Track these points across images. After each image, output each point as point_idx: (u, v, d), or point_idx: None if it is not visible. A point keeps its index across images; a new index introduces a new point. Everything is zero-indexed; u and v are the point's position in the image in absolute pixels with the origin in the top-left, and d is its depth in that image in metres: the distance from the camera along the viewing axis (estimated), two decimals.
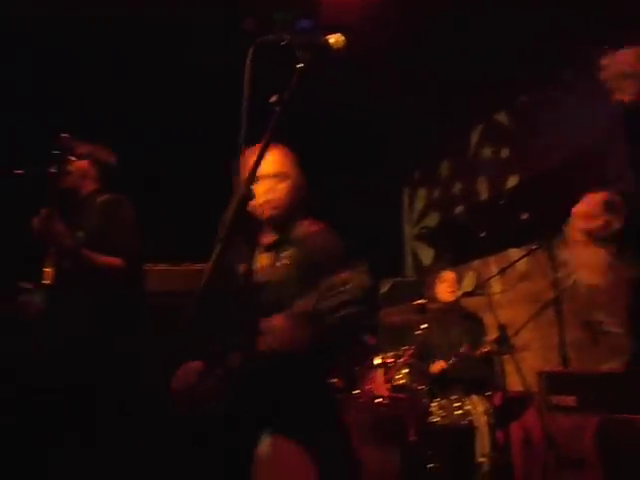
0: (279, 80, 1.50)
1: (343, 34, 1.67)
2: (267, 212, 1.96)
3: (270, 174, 1.95)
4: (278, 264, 1.94)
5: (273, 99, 1.44)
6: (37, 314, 2.48)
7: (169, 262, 3.23)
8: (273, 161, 1.97)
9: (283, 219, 1.99)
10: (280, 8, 3.38)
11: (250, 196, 1.30)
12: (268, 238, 2.00)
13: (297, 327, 1.70)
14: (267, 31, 1.56)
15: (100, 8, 3.38)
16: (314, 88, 1.93)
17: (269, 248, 1.99)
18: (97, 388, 2.41)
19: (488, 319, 3.58)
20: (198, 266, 3.14)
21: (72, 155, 2.51)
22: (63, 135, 2.45)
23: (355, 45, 1.71)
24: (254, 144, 1.38)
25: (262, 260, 1.98)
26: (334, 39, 1.66)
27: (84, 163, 2.63)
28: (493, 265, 4.49)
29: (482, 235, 4.11)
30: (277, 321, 1.72)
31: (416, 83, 3.98)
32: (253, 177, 1.31)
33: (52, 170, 2.44)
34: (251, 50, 1.48)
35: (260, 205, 1.94)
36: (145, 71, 3.61)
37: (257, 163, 1.33)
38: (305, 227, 2.01)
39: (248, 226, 1.33)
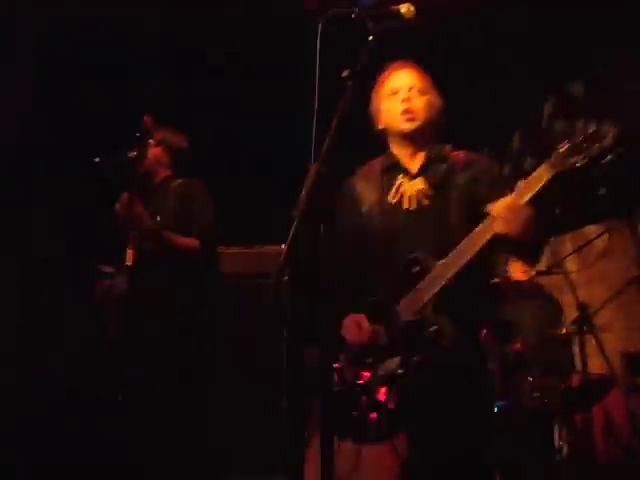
0: (348, 55, 1.47)
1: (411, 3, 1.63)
2: (404, 125, 1.86)
3: (408, 86, 1.88)
4: (438, 187, 1.84)
5: (345, 74, 1.41)
6: (119, 296, 2.56)
7: (242, 244, 3.27)
8: (409, 74, 1.92)
9: (422, 135, 1.87)
10: None
11: (324, 173, 1.27)
12: (412, 161, 1.90)
13: (536, 212, 1.66)
14: (330, 7, 1.53)
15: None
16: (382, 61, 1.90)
17: (420, 171, 1.88)
18: (180, 368, 2.49)
19: (565, 299, 3.45)
20: (271, 248, 3.18)
21: (151, 138, 2.57)
22: (146, 116, 2.51)
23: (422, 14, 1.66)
24: (327, 121, 1.35)
25: (411, 186, 1.87)
26: (405, 9, 1.61)
27: (158, 150, 2.69)
28: (569, 243, 4.31)
29: (556, 212, 3.96)
30: (510, 203, 1.65)
31: (486, 53, 3.83)
32: (328, 155, 1.28)
33: (133, 154, 2.53)
34: (320, 25, 1.45)
35: (395, 118, 1.86)
36: (215, 55, 3.64)
37: (331, 140, 1.31)
38: (455, 152, 1.90)
39: (323, 204, 1.31)
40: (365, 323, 1.82)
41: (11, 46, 3.30)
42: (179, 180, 2.71)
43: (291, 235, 1.25)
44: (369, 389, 1.79)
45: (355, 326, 1.82)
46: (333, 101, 1.39)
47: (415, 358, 1.72)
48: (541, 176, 1.66)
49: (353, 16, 1.47)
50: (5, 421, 3.02)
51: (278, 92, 3.51)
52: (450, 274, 1.72)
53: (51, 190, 3.45)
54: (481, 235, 1.70)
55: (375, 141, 2.00)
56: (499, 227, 1.67)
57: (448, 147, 1.93)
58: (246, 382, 2.99)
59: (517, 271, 3.62)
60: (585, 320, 2.93)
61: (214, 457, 2.74)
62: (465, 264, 1.71)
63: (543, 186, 1.65)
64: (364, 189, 1.93)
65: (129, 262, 2.56)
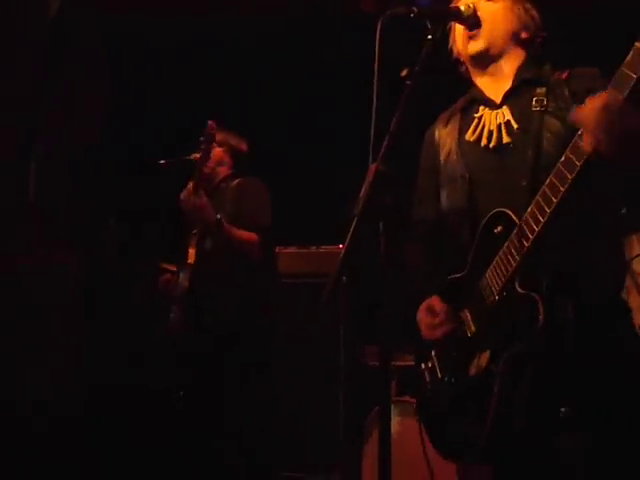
0: (406, 54, 1.46)
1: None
2: (468, 46, 1.55)
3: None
4: (529, 116, 1.44)
5: (404, 73, 1.41)
6: (182, 293, 2.65)
7: (300, 244, 3.31)
8: None
9: (498, 56, 1.53)
10: None
11: (383, 172, 1.27)
12: (497, 89, 1.54)
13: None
14: (386, 9, 1.53)
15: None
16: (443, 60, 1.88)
17: (505, 99, 1.52)
18: (240, 366, 2.54)
19: (632, 301, 3.31)
20: (329, 248, 3.20)
21: (214, 142, 2.65)
22: (210, 122, 2.59)
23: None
24: (387, 120, 1.36)
25: (493, 118, 1.52)
26: (464, 7, 1.59)
27: (219, 151, 2.77)
28: (636, 243, 4.14)
29: (622, 211, 3.81)
30: (604, 103, 1.15)
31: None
32: (387, 154, 1.29)
33: (196, 156, 2.62)
34: (380, 24, 1.45)
35: (462, 40, 1.56)
36: (273, 60, 3.70)
37: (390, 139, 1.31)
38: (558, 72, 1.50)
39: (382, 203, 1.29)
40: (441, 311, 1.50)
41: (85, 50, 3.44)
42: (238, 179, 2.78)
43: (350, 235, 1.25)
44: (457, 396, 1.46)
45: (429, 317, 1.52)
46: (392, 100, 1.39)
47: (506, 354, 1.32)
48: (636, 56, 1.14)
49: (412, 15, 1.46)
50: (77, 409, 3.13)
51: (337, 91, 3.53)
52: (536, 230, 1.29)
53: (118, 190, 3.58)
54: (569, 164, 1.22)
55: None
56: (592, 143, 1.18)
57: (546, 66, 1.56)
58: (304, 381, 3.02)
59: None
60: None
61: (274, 454, 2.77)
62: (552, 213, 1.26)
63: None
64: (443, 133, 1.63)
65: (191, 260, 2.64)
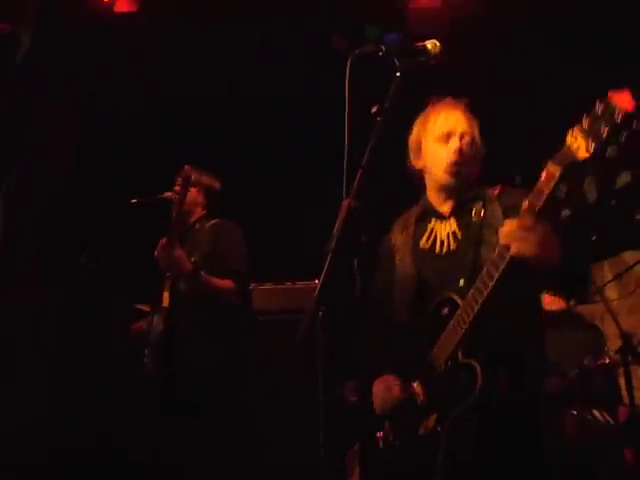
0: (375, 91, 1.49)
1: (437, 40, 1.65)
2: (449, 178, 1.74)
3: (460, 132, 1.74)
4: (471, 227, 1.72)
5: (374, 109, 1.44)
6: (156, 337, 2.61)
7: (274, 281, 3.30)
8: (463, 119, 1.77)
9: (462, 186, 1.76)
10: (368, 23, 3.40)
11: (356, 208, 1.28)
12: (446, 204, 1.80)
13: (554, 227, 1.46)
14: (356, 47, 1.56)
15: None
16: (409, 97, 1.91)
17: (452, 213, 1.78)
18: (216, 405, 2.49)
19: (607, 328, 3.35)
20: (304, 284, 3.19)
21: (191, 186, 2.65)
22: (186, 167, 2.60)
23: (447, 51, 1.68)
24: (358, 156, 1.37)
25: (443, 229, 1.78)
26: (431, 45, 1.64)
27: (193, 191, 2.76)
28: (607, 270, 4.21)
29: (593, 239, 3.88)
30: (521, 220, 1.44)
31: (508, 85, 3.84)
32: (360, 190, 1.30)
33: (167, 194, 2.62)
34: (349, 63, 1.48)
35: (440, 166, 1.74)
36: (245, 96, 3.73)
37: (362, 176, 1.32)
38: (491, 188, 1.77)
39: (355, 238, 1.31)
40: (394, 385, 1.70)
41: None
42: (212, 221, 2.77)
43: (325, 270, 1.25)
44: (414, 454, 1.67)
45: (385, 392, 1.71)
46: (363, 137, 1.41)
47: (453, 413, 1.57)
48: (549, 177, 1.45)
49: (380, 54, 1.49)
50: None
51: (308, 130, 3.57)
52: (475, 309, 1.57)
53: (93, 230, 3.55)
54: (495, 264, 1.53)
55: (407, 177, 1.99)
56: (513, 249, 1.47)
57: (484, 186, 1.83)
58: (283, 418, 2.97)
59: (552, 300, 3.53)
60: (630, 349, 2.83)
61: None
62: (485, 301, 1.55)
63: (553, 190, 1.44)
64: (399, 240, 1.86)
65: (165, 303, 2.60)
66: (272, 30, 3.61)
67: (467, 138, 1.76)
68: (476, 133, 1.80)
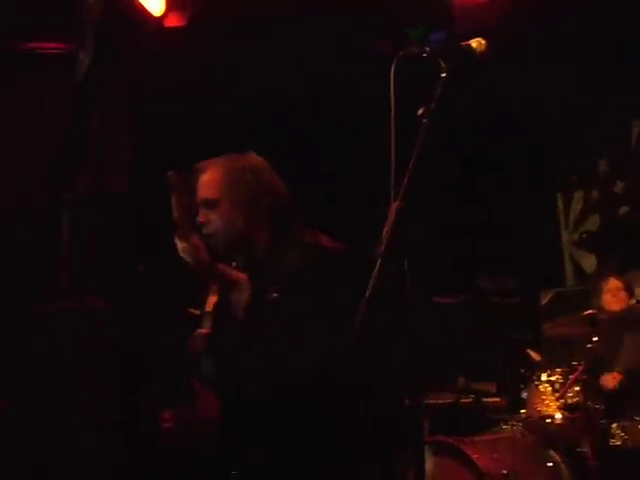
0: (421, 93, 1.49)
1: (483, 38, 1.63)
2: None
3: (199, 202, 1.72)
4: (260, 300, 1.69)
5: (420, 112, 1.43)
6: (203, 342, 2.65)
7: None
8: (201, 184, 1.74)
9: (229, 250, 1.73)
10: (412, 24, 3.39)
11: (406, 210, 1.29)
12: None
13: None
14: (402, 49, 1.56)
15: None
16: (459, 96, 1.90)
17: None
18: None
19: None
20: None
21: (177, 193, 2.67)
22: (169, 173, 2.62)
23: (495, 48, 1.66)
24: (405, 159, 1.37)
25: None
26: (476, 43, 1.62)
27: None
28: None
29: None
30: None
31: (566, 79, 3.76)
32: (408, 192, 1.30)
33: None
34: (393, 66, 1.49)
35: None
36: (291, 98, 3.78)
37: (410, 177, 1.32)
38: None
39: (405, 241, 1.31)
40: None
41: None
42: None
43: (375, 274, 1.25)
44: None
45: None
46: (410, 139, 1.41)
47: None
48: None
49: (425, 55, 1.49)
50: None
51: (355, 132, 3.59)
52: None
53: (147, 235, 3.66)
54: None
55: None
56: None
57: None
58: None
59: (611, 301, 3.44)
60: None
61: None
62: None
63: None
64: None
65: (209, 308, 2.64)
66: (317, 33, 3.64)
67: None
68: (218, 196, 1.74)
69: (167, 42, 3.54)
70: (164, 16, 3.46)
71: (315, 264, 1.65)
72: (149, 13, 3.43)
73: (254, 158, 1.85)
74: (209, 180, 1.75)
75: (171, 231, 1.93)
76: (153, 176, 3.62)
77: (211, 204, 1.73)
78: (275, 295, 1.67)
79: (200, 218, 1.75)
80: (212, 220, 1.73)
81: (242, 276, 2.08)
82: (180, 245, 2.11)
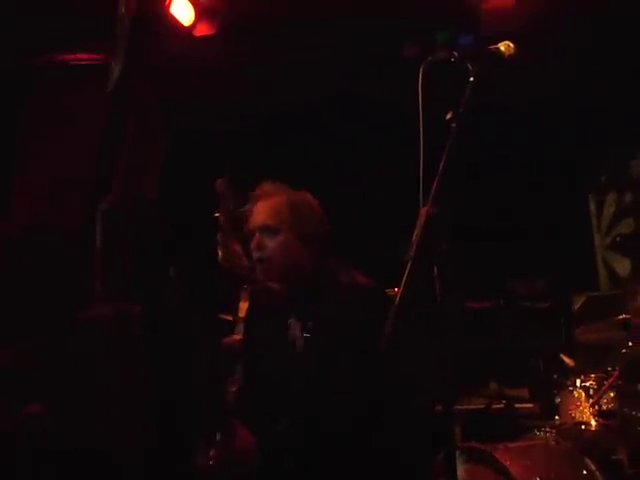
0: (447, 98, 1.49)
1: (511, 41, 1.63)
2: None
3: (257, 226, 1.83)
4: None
5: (449, 116, 1.44)
6: (236, 347, 2.67)
7: None
8: (262, 211, 1.86)
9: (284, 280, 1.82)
10: (440, 28, 3.39)
11: (436, 215, 1.29)
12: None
13: None
14: (429, 54, 1.57)
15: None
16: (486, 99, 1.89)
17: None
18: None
19: None
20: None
21: (228, 199, 2.71)
22: (219, 180, 2.67)
23: (524, 49, 1.65)
24: (434, 163, 1.38)
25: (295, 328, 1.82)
26: (504, 47, 1.62)
27: None
28: None
29: None
30: None
31: (596, 80, 3.70)
32: (437, 196, 1.30)
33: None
34: (422, 70, 1.49)
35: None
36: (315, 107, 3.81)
37: (439, 181, 1.33)
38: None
39: (435, 246, 1.31)
40: None
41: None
42: None
43: (405, 278, 1.26)
44: None
45: None
46: (439, 143, 1.41)
47: None
48: None
49: (453, 60, 1.49)
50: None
51: (384, 138, 3.59)
52: None
53: (180, 241, 3.71)
54: None
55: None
56: None
57: None
58: None
59: None
60: None
61: None
62: None
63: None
64: None
65: (242, 314, 2.67)
66: (347, 38, 3.66)
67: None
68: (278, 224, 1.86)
69: (197, 50, 3.60)
70: (194, 25, 3.51)
71: (351, 302, 1.75)
72: (179, 23, 3.49)
73: (309, 195, 1.98)
74: (271, 209, 1.87)
75: (209, 237, 1.97)
76: (185, 182, 3.70)
77: (272, 231, 1.85)
78: (310, 332, 1.75)
79: (256, 241, 1.86)
80: (269, 247, 1.85)
81: (276, 286, 2.17)
82: (221, 250, 2.19)
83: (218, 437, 1.71)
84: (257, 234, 1.86)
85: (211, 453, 1.72)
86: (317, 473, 1.65)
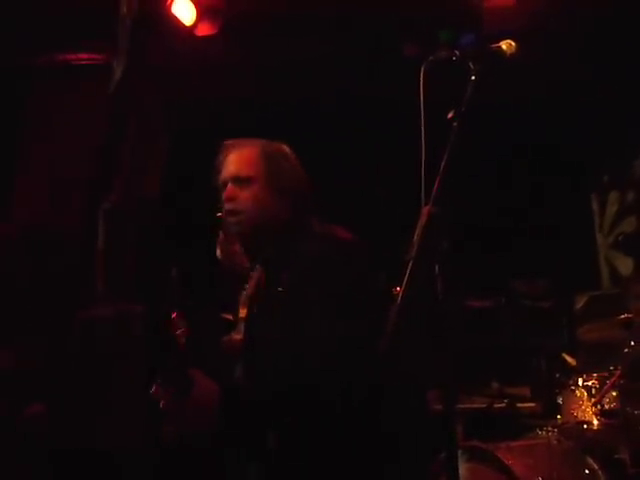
0: (449, 97, 1.49)
1: (513, 39, 1.62)
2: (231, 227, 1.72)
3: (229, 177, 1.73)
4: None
5: (450, 115, 1.43)
6: (237, 347, 2.67)
7: None
8: (235, 160, 1.74)
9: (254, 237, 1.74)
10: (441, 27, 3.38)
11: (438, 214, 1.28)
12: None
13: None
14: (430, 52, 1.56)
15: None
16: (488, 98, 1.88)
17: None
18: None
19: None
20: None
21: None
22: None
23: (526, 48, 1.65)
24: (436, 163, 1.37)
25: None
26: (506, 45, 1.61)
27: None
28: None
29: None
30: None
31: (598, 79, 3.70)
32: (439, 196, 1.30)
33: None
34: (423, 70, 1.49)
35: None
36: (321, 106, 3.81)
37: (441, 181, 1.32)
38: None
39: (436, 245, 1.31)
40: None
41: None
42: None
43: (406, 278, 1.25)
44: None
45: None
46: (440, 143, 1.41)
47: None
48: None
49: (454, 58, 1.49)
50: None
51: (384, 138, 3.59)
52: None
53: (179, 240, 3.71)
54: None
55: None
56: None
57: None
58: None
59: None
60: None
61: None
62: None
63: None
64: None
65: (242, 314, 2.67)
66: (346, 36, 3.66)
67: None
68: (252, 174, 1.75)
69: (199, 50, 3.60)
70: (195, 25, 3.51)
71: (327, 254, 1.65)
72: (180, 22, 3.49)
73: (287, 147, 1.87)
74: (245, 158, 1.77)
75: (207, 235, 1.96)
76: (186, 182, 3.70)
77: (244, 181, 1.74)
78: (284, 287, 1.67)
79: (227, 192, 1.75)
80: (241, 197, 1.74)
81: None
82: (221, 249, 2.14)
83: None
84: (229, 185, 1.76)
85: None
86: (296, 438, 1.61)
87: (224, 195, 1.76)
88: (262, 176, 1.75)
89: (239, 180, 1.75)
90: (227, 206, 1.75)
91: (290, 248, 1.75)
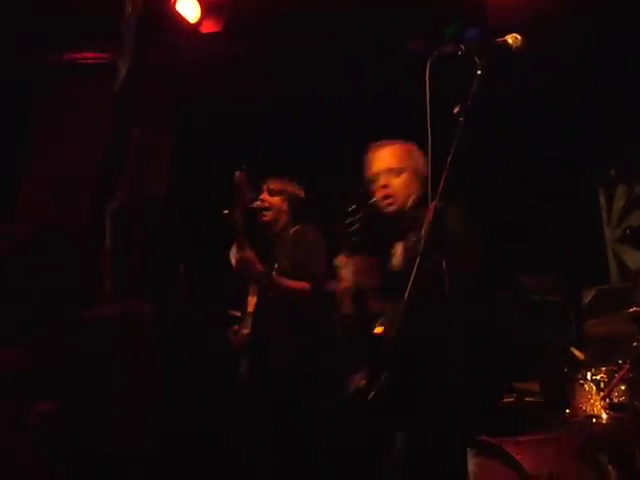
0: (454, 91, 1.48)
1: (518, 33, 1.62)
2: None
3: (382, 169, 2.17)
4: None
5: (456, 110, 1.43)
6: (244, 341, 2.69)
7: None
8: (384, 157, 2.20)
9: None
10: (446, 22, 3.37)
11: (443, 209, 1.28)
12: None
13: None
14: (435, 48, 1.56)
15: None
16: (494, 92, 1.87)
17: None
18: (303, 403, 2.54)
19: None
20: None
21: (244, 194, 2.74)
22: (237, 174, 2.69)
23: (532, 42, 1.64)
24: (442, 156, 1.37)
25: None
26: (512, 39, 1.61)
27: (278, 199, 2.86)
28: None
29: None
30: None
31: (605, 73, 3.67)
32: (446, 191, 1.30)
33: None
34: (429, 64, 1.48)
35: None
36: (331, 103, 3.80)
37: (448, 175, 1.32)
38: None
39: (443, 239, 1.32)
40: None
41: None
42: (295, 227, 2.85)
43: (414, 271, 1.25)
44: None
45: None
46: (447, 137, 1.41)
47: None
48: None
49: (460, 53, 1.48)
50: None
51: (390, 132, 3.58)
52: None
53: (187, 237, 3.72)
54: None
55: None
56: None
57: None
58: None
59: None
60: None
61: None
62: None
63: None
64: None
65: (250, 309, 2.70)
66: (352, 32, 3.65)
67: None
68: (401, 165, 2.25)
69: (204, 47, 3.60)
70: (200, 22, 3.51)
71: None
72: (185, 20, 3.49)
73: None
74: (393, 153, 2.27)
75: (212, 233, 1.99)
76: (193, 180, 3.71)
77: (396, 171, 2.24)
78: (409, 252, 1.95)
79: (382, 181, 2.22)
80: (394, 184, 2.22)
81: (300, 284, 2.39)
82: (236, 255, 2.36)
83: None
84: (383, 175, 2.23)
85: None
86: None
87: (378, 184, 2.22)
88: (410, 167, 2.24)
89: (391, 170, 2.24)
90: (382, 192, 2.21)
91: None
